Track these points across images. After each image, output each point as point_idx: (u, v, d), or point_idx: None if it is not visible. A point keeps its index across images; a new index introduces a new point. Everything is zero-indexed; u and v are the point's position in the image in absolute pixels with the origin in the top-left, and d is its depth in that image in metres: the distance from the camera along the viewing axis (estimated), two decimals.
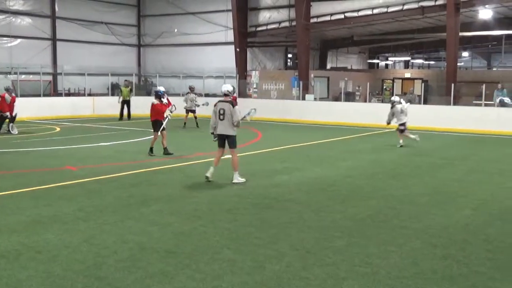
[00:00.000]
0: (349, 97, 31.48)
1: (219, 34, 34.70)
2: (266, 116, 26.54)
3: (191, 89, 23.14)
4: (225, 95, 10.89)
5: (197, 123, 22.37)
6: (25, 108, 25.03)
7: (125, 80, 27.62)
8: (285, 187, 10.51)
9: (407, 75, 39.24)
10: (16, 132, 19.56)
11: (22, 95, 26.39)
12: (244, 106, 20.20)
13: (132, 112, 26.23)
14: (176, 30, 36.35)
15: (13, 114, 19.73)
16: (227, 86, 10.99)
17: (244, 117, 11.06)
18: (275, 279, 5.65)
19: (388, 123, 17.23)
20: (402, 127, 16.94)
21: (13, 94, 20.36)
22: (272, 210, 8.63)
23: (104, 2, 35.65)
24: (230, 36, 33.34)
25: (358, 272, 5.86)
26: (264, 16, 32.37)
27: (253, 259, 6.22)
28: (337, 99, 30.14)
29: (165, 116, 14.49)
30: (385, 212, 8.64)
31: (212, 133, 11.09)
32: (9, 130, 19.52)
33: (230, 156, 11.05)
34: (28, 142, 17.31)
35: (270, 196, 9.62)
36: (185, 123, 22.55)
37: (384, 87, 37.45)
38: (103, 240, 6.85)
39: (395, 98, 17.57)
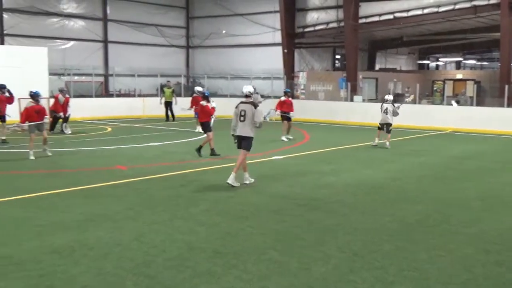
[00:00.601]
0: (398, 98, 30.99)
1: (266, 35, 34.80)
2: (314, 117, 26.46)
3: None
4: (247, 96, 10.69)
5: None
6: (78, 109, 25.66)
7: (167, 81, 27.61)
8: (332, 188, 10.45)
9: (459, 76, 38.37)
10: (69, 132, 20.10)
11: (74, 96, 27.09)
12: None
13: (180, 113, 26.48)
14: (224, 32, 36.65)
15: (67, 115, 20.27)
16: (249, 87, 10.79)
17: (264, 118, 10.73)
18: (321, 281, 5.63)
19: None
20: (382, 128, 17.04)
21: (67, 95, 20.91)
22: (319, 212, 8.61)
23: (154, 4, 36.28)
24: (277, 37, 33.38)
25: (406, 277, 5.78)
26: (312, 17, 32.26)
27: (300, 261, 6.22)
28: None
29: (211, 117, 14.69)
30: (434, 216, 8.48)
31: (233, 135, 10.77)
32: (62, 130, 20.07)
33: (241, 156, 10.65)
34: (80, 142, 17.75)
35: (317, 198, 9.58)
36: None
37: (435, 88, 36.71)
38: (152, 239, 6.98)
39: (387, 96, 17.71)
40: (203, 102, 14.96)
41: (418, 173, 12.49)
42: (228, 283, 5.55)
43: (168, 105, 26.12)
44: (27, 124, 14.06)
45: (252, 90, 10.84)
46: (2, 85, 16.91)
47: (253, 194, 9.90)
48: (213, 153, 14.55)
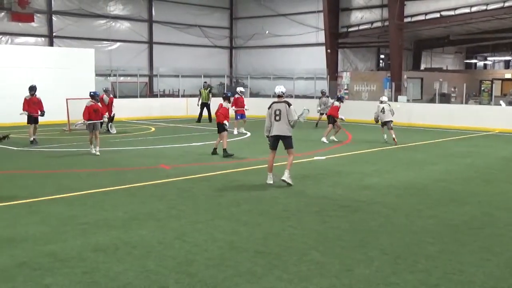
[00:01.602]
0: (444, 98, 30.44)
1: (310, 35, 34.67)
2: (357, 117, 26.19)
3: (323, 93, 23.95)
4: (279, 96, 10.80)
5: None
6: (123, 109, 26.15)
7: (204, 82, 27.25)
8: (375, 190, 10.32)
9: (508, 75, 37.37)
10: (115, 132, 20.47)
11: (120, 96, 27.64)
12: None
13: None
14: (267, 32, 36.69)
15: (111, 114, 20.63)
16: (281, 88, 10.91)
17: (298, 118, 10.78)
18: (363, 283, 5.57)
19: (376, 120, 18.15)
20: (384, 125, 17.83)
21: (111, 95, 21.28)
22: (361, 213, 8.51)
23: (198, 5, 36.61)
24: (321, 37, 33.21)
25: (451, 280, 5.66)
26: (356, 16, 31.96)
27: (341, 262, 6.16)
28: (431, 100, 29.22)
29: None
30: (481, 218, 8.29)
31: (267, 136, 10.87)
32: (108, 130, 20.45)
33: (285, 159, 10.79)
34: (125, 141, 18.07)
35: (359, 199, 9.49)
36: (317, 123, 23.61)
37: (482, 88, 35.88)
38: (194, 238, 7.04)
39: (382, 98, 18.30)
40: (223, 103, 14.87)
41: (464, 175, 12.22)
42: (269, 283, 5.55)
43: (205, 105, 25.78)
44: (87, 122, 15.01)
45: (284, 90, 10.95)
46: (34, 86, 17.30)
47: (295, 194, 9.87)
48: (218, 152, 14.56)
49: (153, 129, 22.49)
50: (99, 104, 15.70)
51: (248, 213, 8.44)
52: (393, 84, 27.71)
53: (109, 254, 6.37)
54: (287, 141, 10.66)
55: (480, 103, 29.27)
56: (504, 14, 26.95)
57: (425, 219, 8.17)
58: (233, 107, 20.26)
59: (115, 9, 32.99)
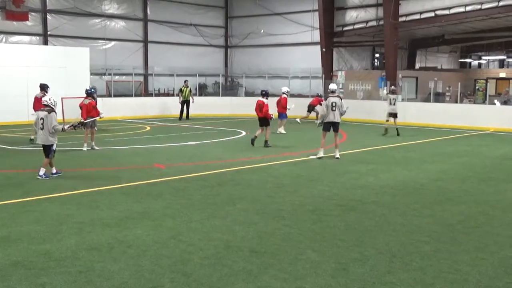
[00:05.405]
0: (439, 98, 30.48)
1: (305, 34, 34.69)
2: (352, 117, 26.18)
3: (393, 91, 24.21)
4: (332, 92, 14.11)
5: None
6: (118, 108, 26.13)
7: (185, 81, 27.20)
8: (370, 189, 10.33)
9: (502, 74, 37.49)
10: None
11: (115, 95, 27.60)
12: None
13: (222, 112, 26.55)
14: (262, 31, 36.68)
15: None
16: (334, 85, 14.36)
17: (345, 111, 14.05)
18: (359, 282, 5.57)
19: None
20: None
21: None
22: (356, 212, 8.52)
23: (193, 4, 36.57)
24: (316, 36, 33.22)
25: (446, 279, 5.67)
26: (351, 15, 31.97)
27: (337, 261, 6.17)
28: (426, 100, 29.26)
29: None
30: (476, 217, 8.30)
31: (322, 122, 14.27)
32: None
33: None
34: (120, 140, 18.02)
35: (355, 198, 9.49)
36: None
37: (477, 87, 35.97)
38: (190, 237, 7.03)
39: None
40: (265, 100, 16.42)
41: (460, 174, 12.24)
42: (265, 282, 5.55)
43: (186, 104, 26.35)
44: (88, 119, 15.18)
45: (336, 87, 14.40)
46: (45, 84, 17.15)
47: (290, 193, 9.87)
48: (266, 145, 16.27)
49: (148, 128, 22.45)
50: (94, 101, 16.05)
51: (243, 212, 8.44)
52: (388, 83, 27.72)
53: (104, 253, 6.35)
54: (338, 126, 14.16)
55: (474, 102, 29.33)
56: (499, 13, 27.01)
57: (420, 218, 8.19)
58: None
59: (110, 8, 32.91)
